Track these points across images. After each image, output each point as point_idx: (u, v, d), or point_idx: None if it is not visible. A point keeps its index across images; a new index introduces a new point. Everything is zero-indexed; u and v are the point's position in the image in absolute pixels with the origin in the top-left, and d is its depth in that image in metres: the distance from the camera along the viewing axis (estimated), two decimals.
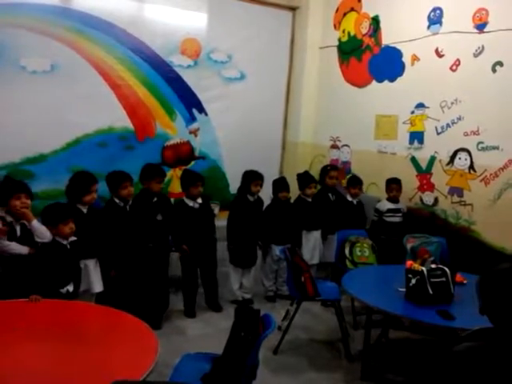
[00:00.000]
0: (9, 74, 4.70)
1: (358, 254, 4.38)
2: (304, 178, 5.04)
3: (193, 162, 5.85)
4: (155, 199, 4.19)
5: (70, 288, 3.22)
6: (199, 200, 4.41)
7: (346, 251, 4.39)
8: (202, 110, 5.90)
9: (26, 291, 2.92)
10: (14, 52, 4.73)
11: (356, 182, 5.08)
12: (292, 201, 5.06)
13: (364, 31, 5.70)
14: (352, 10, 5.87)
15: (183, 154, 5.81)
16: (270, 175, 5.45)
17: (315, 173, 6.11)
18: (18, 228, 3.21)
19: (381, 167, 5.32)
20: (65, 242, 3.25)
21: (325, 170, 5.28)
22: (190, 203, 4.37)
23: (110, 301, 3.47)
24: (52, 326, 2.62)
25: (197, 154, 5.91)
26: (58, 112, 4.94)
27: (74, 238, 3.32)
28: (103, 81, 5.17)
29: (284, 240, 4.66)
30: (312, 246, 4.92)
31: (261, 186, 4.72)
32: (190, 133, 5.86)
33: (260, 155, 6.19)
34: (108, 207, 4.03)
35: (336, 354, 3.84)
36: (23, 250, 3.19)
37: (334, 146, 6.09)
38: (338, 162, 6.00)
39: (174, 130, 5.73)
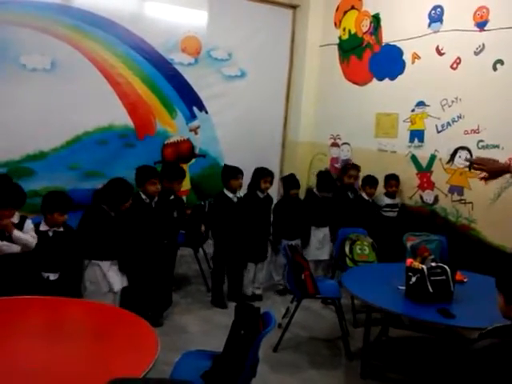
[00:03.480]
0: (9, 72, 4.70)
1: (358, 252, 4.38)
2: (326, 180, 5.10)
3: (193, 160, 5.85)
4: (172, 197, 4.28)
5: (52, 276, 3.38)
6: (238, 194, 4.56)
7: (346, 249, 4.39)
8: (202, 107, 5.90)
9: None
10: (14, 49, 4.72)
11: (373, 182, 5.07)
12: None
13: (364, 29, 5.69)
14: (352, 8, 5.87)
15: (184, 152, 5.81)
16: None
17: (316, 171, 6.13)
18: None
19: (381, 165, 5.31)
20: (45, 228, 3.40)
21: (345, 169, 5.30)
22: (230, 195, 4.49)
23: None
24: (51, 323, 2.63)
25: (197, 151, 5.91)
26: (58, 109, 4.93)
27: (60, 229, 3.46)
28: (103, 78, 5.17)
29: (294, 235, 4.77)
30: (321, 241, 4.94)
31: (270, 182, 4.77)
32: (191, 130, 5.86)
33: (260, 153, 6.19)
34: (135, 203, 3.93)
35: (336, 351, 3.84)
36: (15, 248, 3.21)
37: (335, 144, 6.08)
38: (338, 161, 6.00)
39: (175, 127, 5.73)
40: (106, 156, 5.21)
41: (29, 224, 3.29)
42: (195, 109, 5.86)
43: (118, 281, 3.66)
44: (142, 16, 5.42)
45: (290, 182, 4.98)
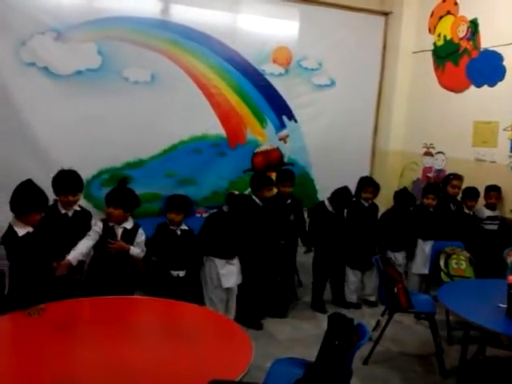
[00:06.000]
0: (113, 85, 5.02)
1: (454, 266, 4.19)
2: (425, 188, 5.00)
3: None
4: (289, 201, 4.48)
5: (181, 273, 3.64)
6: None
7: (441, 263, 4.21)
8: (291, 117, 5.96)
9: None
10: (117, 63, 5.04)
11: (474, 194, 4.84)
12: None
13: (461, 35, 5.49)
14: (448, 13, 5.68)
15: (273, 161, 5.89)
16: None
17: (406, 181, 5.97)
18: (119, 231, 3.35)
19: (479, 176, 5.07)
20: (174, 228, 3.66)
21: (447, 179, 5.11)
22: (329, 208, 4.57)
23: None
24: (151, 323, 2.76)
25: (286, 160, 5.97)
26: (156, 120, 5.20)
27: (185, 228, 3.71)
28: (198, 90, 5.39)
29: (399, 247, 4.74)
30: (427, 255, 4.73)
31: (371, 192, 4.74)
32: (280, 139, 5.94)
33: (349, 162, 6.15)
34: (249, 205, 4.19)
35: (429, 368, 3.70)
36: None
37: (428, 154, 5.89)
38: (431, 171, 5.80)
39: (265, 136, 5.84)
40: (199, 164, 5.43)
41: (141, 234, 3.41)
42: (285, 118, 5.93)
43: (230, 278, 3.88)
44: (236, 29, 5.59)
45: (404, 197, 4.83)
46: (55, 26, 4.78)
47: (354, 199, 4.72)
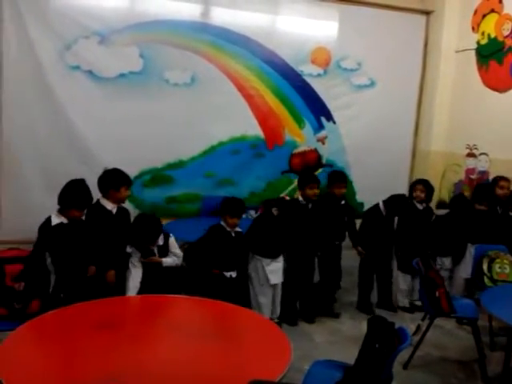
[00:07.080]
0: (154, 87, 5.13)
1: (498, 270, 4.08)
2: (479, 193, 4.77)
3: (320, 170, 5.88)
4: (343, 202, 4.55)
5: (234, 274, 3.74)
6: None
7: (485, 267, 4.11)
8: (330, 117, 5.93)
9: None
10: (158, 66, 5.15)
11: None
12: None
13: (506, 33, 5.34)
14: (492, 11, 5.53)
15: (310, 162, 5.88)
16: (398, 185, 5.32)
17: (448, 182, 5.84)
18: (155, 249, 3.47)
19: None
20: (228, 229, 3.75)
21: (494, 181, 4.92)
22: (383, 211, 4.57)
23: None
24: (193, 323, 2.79)
25: (324, 161, 5.95)
26: (196, 121, 5.28)
27: (239, 230, 3.83)
28: (237, 91, 5.44)
29: (446, 252, 4.62)
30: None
31: (422, 191, 4.62)
32: (318, 141, 5.92)
33: (388, 163, 6.08)
34: (299, 210, 4.27)
35: (470, 374, 3.62)
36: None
37: (471, 155, 5.74)
38: (474, 172, 5.66)
39: (302, 137, 5.83)
40: (237, 165, 5.48)
41: (172, 242, 3.54)
42: (323, 119, 5.91)
43: (277, 275, 3.98)
44: (274, 30, 5.61)
45: (462, 203, 4.74)
46: (99, 30, 4.91)
47: (407, 202, 4.66)
